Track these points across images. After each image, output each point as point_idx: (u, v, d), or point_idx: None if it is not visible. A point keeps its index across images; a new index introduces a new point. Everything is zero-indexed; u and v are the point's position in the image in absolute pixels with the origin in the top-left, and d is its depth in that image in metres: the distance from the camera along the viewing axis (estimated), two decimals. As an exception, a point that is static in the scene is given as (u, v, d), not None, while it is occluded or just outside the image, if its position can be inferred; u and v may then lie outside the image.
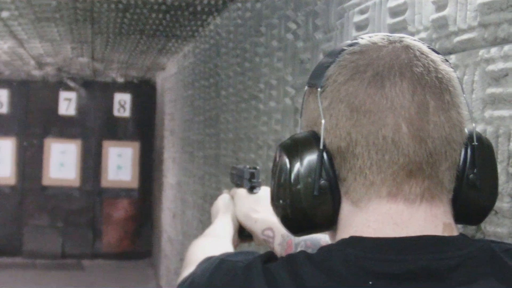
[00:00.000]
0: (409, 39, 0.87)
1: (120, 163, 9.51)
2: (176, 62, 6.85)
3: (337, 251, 0.80)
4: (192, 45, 5.72)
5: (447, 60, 0.88)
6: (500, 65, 1.27)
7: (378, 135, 0.80)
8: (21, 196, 9.33)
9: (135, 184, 9.52)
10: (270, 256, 0.87)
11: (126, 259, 9.37)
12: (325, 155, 0.84)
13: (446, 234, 0.82)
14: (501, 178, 1.27)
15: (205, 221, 4.75)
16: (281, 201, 0.87)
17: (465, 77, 1.38)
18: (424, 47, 0.86)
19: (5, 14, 4.57)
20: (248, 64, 3.54)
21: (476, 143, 0.86)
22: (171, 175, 7.09)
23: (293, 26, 2.73)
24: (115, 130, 9.51)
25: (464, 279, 0.77)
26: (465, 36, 1.39)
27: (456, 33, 1.43)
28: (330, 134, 0.83)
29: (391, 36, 0.87)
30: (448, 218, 0.84)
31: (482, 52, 1.33)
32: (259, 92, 3.25)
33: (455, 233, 0.83)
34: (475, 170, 0.85)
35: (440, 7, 1.50)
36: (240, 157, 3.64)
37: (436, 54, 0.86)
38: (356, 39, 0.88)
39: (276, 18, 3.01)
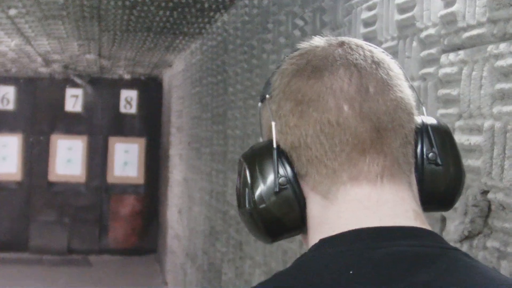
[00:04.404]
0: (351, 40, 0.89)
1: (126, 159, 9.53)
2: (183, 59, 6.86)
3: (312, 257, 0.80)
4: (200, 42, 5.73)
5: (385, 52, 0.90)
6: (509, 61, 1.28)
7: (323, 121, 0.81)
8: (27, 192, 9.37)
9: (141, 180, 9.55)
10: None
11: (132, 254, 9.40)
12: (280, 153, 0.85)
13: (418, 223, 0.82)
14: (510, 173, 1.27)
15: (211, 217, 4.76)
16: (247, 207, 0.87)
17: (474, 72, 1.39)
18: (362, 42, 0.88)
19: (12, 11, 4.59)
20: (255, 61, 3.55)
21: (430, 124, 0.87)
22: (177, 172, 7.11)
23: (300, 22, 2.73)
24: (121, 126, 9.54)
25: (449, 266, 0.77)
26: (474, 32, 1.40)
27: (465, 29, 1.44)
28: (283, 133, 0.85)
29: (332, 38, 0.90)
30: (417, 206, 0.84)
31: (491, 48, 1.34)
32: (267, 88, 3.25)
33: (426, 225, 0.83)
34: (433, 149, 0.86)
35: (448, 3, 1.50)
36: (247, 153, 3.65)
37: (374, 48, 0.88)
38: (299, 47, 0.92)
39: (283, 14, 3.01)
